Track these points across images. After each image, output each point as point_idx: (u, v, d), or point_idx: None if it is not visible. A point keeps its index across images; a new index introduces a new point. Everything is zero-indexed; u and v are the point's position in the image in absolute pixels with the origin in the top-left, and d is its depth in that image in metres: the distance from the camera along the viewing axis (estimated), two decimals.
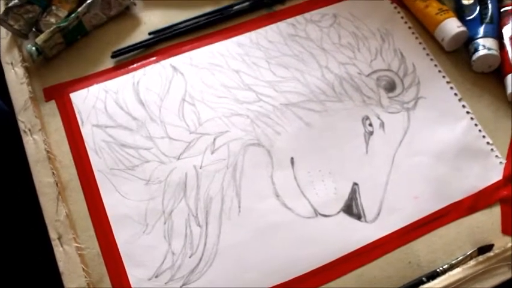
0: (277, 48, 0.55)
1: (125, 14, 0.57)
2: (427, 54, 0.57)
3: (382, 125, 0.52)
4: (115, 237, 0.45)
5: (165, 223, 0.45)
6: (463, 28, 0.54)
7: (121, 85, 0.54)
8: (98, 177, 0.48)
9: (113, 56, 0.55)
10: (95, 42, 0.56)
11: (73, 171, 0.48)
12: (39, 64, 0.53)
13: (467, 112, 0.52)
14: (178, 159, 0.49)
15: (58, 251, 0.43)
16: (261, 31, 0.56)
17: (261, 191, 0.47)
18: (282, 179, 0.48)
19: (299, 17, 0.57)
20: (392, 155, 0.50)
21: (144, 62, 0.55)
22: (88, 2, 0.54)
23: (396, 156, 0.50)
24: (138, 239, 0.44)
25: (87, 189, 0.47)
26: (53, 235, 0.46)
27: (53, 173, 0.48)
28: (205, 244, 0.44)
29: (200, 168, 0.48)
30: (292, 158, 0.49)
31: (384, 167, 0.49)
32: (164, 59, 0.55)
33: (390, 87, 0.54)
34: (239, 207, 0.46)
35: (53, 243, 0.45)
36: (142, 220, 0.45)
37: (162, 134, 0.50)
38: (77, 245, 0.45)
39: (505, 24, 0.56)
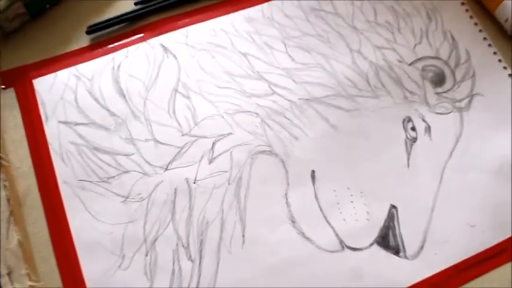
0: (297, 26, 0.46)
1: None
2: (485, 39, 0.48)
3: (427, 129, 0.43)
4: (82, 272, 0.37)
5: (146, 255, 0.37)
6: None
7: (97, 70, 0.44)
8: (64, 190, 0.39)
9: (88, 32, 0.46)
10: (66, 14, 0.47)
11: (32, 182, 0.40)
12: None
13: None
14: (166, 169, 0.40)
15: None
16: (276, 2, 0.47)
17: (272, 215, 0.39)
18: (299, 200, 0.40)
19: None
20: (441, 169, 0.42)
21: (127, 40, 0.46)
22: None
23: (446, 171, 0.42)
24: (112, 276, 0.36)
25: (49, 206, 0.39)
26: (1, 269, 0.35)
27: (5, 185, 0.37)
28: (197, 284, 0.36)
29: (194, 182, 0.40)
30: (313, 172, 0.41)
31: (430, 185, 0.41)
32: (153, 36, 0.46)
33: (438, 80, 0.46)
34: (243, 236, 0.38)
35: (1, 280, 0.35)
36: (118, 250, 0.37)
37: (147, 136, 0.42)
38: (32, 283, 0.35)
39: None
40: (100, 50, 0.45)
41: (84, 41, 0.46)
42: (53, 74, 0.44)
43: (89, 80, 0.44)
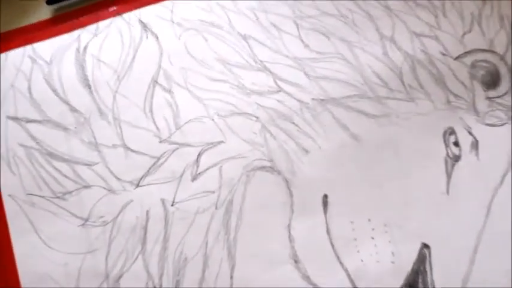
0: (314, 2, 0.40)
1: None
2: None
3: (474, 145, 0.37)
4: None
5: None
6: None
7: (58, 51, 0.38)
8: (8, 206, 0.34)
9: (49, 2, 0.39)
10: None
11: None
12: None
13: None
14: (138, 186, 0.35)
15: None
16: None
17: (269, 252, 0.34)
18: (305, 233, 0.35)
19: None
20: (489, 199, 0.36)
21: (97, 13, 0.39)
22: None
23: (495, 201, 0.36)
24: None
25: None
26: None
27: None
28: None
29: (172, 204, 0.35)
30: (325, 196, 0.35)
31: (474, 219, 0.36)
32: (129, 10, 0.39)
33: (491, 80, 0.40)
34: (231, 277, 0.34)
35: None
36: (73, 287, 0.33)
37: (115, 141, 0.36)
38: None
39: None
40: (63, 25, 0.39)
41: (44, 12, 0.40)
42: (2, 55, 0.38)
43: (46, 63, 0.37)
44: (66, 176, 0.35)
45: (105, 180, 0.35)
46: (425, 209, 0.35)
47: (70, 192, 0.34)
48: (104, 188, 0.34)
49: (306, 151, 0.36)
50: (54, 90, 0.36)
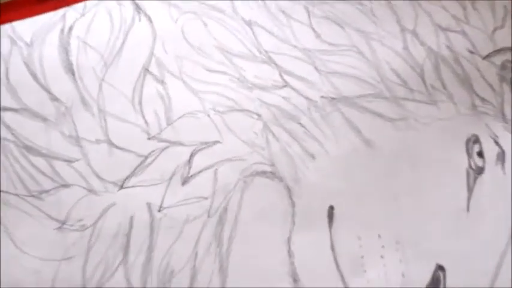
0: None
1: None
2: None
3: (501, 156, 0.34)
4: None
5: None
6: None
7: (40, 31, 0.34)
8: None
9: None
10: None
11: None
12: None
13: None
14: (122, 187, 0.31)
15: None
16: None
17: (266, 268, 0.31)
18: (307, 248, 0.31)
19: None
20: None
21: None
22: None
23: None
24: None
25: None
26: None
27: None
28: None
29: (159, 210, 0.31)
30: (331, 208, 0.32)
31: (496, 239, 0.33)
32: None
33: None
34: None
35: None
36: None
37: (99, 135, 0.32)
38: None
39: None
40: (47, 2, 0.36)
41: None
42: None
43: (27, 45, 0.32)
44: (43, 173, 0.30)
45: (85, 179, 0.30)
46: (442, 226, 0.32)
47: (47, 191, 0.30)
48: (84, 188, 0.30)
49: (312, 156, 0.33)
50: (34, 75, 0.32)
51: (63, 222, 0.29)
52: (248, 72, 0.34)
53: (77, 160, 0.31)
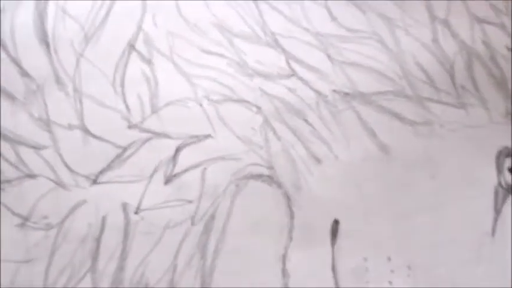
0: None
1: None
2: None
3: None
4: None
5: None
6: None
7: None
8: None
9: None
10: None
11: None
12: None
13: None
14: (95, 182, 0.27)
15: None
16: None
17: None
18: (304, 267, 0.28)
19: None
20: None
21: None
22: None
23: None
24: None
25: None
26: None
27: None
28: None
29: (136, 212, 0.27)
30: (336, 223, 0.28)
31: None
32: None
33: None
34: None
35: None
36: None
37: (72, 120, 0.28)
38: None
39: None
40: None
41: None
42: None
43: None
44: (6, 160, 0.27)
45: (54, 170, 0.27)
46: (462, 252, 0.28)
47: (9, 181, 0.27)
48: (52, 181, 0.27)
49: (318, 160, 0.29)
50: (4, 46, 0.28)
51: (26, 219, 0.26)
52: (249, 57, 0.30)
53: (46, 147, 0.27)
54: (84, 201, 0.27)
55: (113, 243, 0.26)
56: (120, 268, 0.26)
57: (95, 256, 0.26)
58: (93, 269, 0.26)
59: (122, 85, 0.28)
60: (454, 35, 0.31)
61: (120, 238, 0.26)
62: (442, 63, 0.30)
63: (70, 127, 0.27)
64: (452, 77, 0.30)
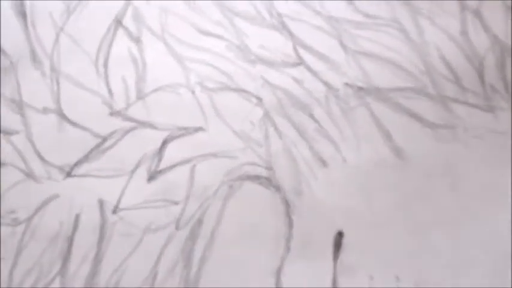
0: None
1: None
2: None
3: None
4: None
5: None
6: None
7: None
8: None
9: None
10: None
11: None
12: None
13: None
14: (69, 175, 0.24)
15: None
16: None
17: None
18: (302, 282, 0.25)
19: None
20: None
21: None
22: None
23: None
24: None
25: None
26: None
27: None
28: None
29: (114, 211, 0.24)
30: (339, 235, 0.25)
31: None
32: None
33: None
34: None
35: None
36: None
37: (48, 103, 0.26)
38: None
39: None
40: None
41: None
42: None
43: None
44: None
45: (24, 159, 0.25)
46: (480, 271, 0.25)
47: None
48: (22, 171, 0.25)
49: (324, 162, 0.26)
50: None
51: None
52: (252, 40, 0.27)
53: (17, 133, 0.25)
54: (56, 196, 0.25)
55: (87, 244, 0.25)
56: (94, 272, 0.24)
57: (66, 257, 0.24)
58: (63, 271, 0.24)
59: (106, 65, 0.27)
60: (486, 28, 0.28)
61: (95, 239, 0.24)
62: (471, 59, 0.28)
63: (45, 111, 0.26)
64: (481, 75, 0.28)
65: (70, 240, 0.24)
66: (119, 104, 0.27)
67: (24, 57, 0.26)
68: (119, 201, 0.26)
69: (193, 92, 0.27)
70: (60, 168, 0.26)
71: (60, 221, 0.25)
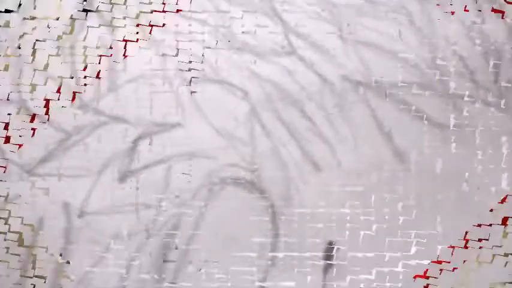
0: None
1: None
2: None
3: None
4: None
5: None
6: None
7: None
8: None
9: None
10: None
11: None
12: None
13: None
14: (31, 174, 0.22)
15: None
16: None
17: None
18: None
19: None
20: None
21: None
22: None
23: None
24: None
25: None
26: None
27: None
28: None
29: (80, 216, 0.22)
30: (330, 244, 0.22)
31: None
32: None
33: None
34: None
35: None
36: None
37: (6, 89, 0.23)
38: None
39: None
40: None
41: None
42: None
43: None
44: None
45: None
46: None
47: None
48: None
49: (316, 165, 0.24)
50: None
51: None
52: (238, 26, 0.25)
53: None
54: (16, 196, 0.23)
55: (49, 252, 0.23)
56: (56, 284, 0.22)
57: (25, 266, 0.23)
58: (22, 282, 0.22)
59: (73, 47, 0.24)
60: (506, 13, 0.26)
61: (60, 245, 0.23)
62: (486, 52, 0.25)
63: (3, 100, 0.23)
64: (496, 71, 0.25)
65: (31, 247, 0.24)
66: (88, 94, 0.25)
67: None
68: (85, 204, 0.24)
69: (170, 84, 0.25)
70: (21, 167, 0.24)
71: (22, 225, 0.24)
